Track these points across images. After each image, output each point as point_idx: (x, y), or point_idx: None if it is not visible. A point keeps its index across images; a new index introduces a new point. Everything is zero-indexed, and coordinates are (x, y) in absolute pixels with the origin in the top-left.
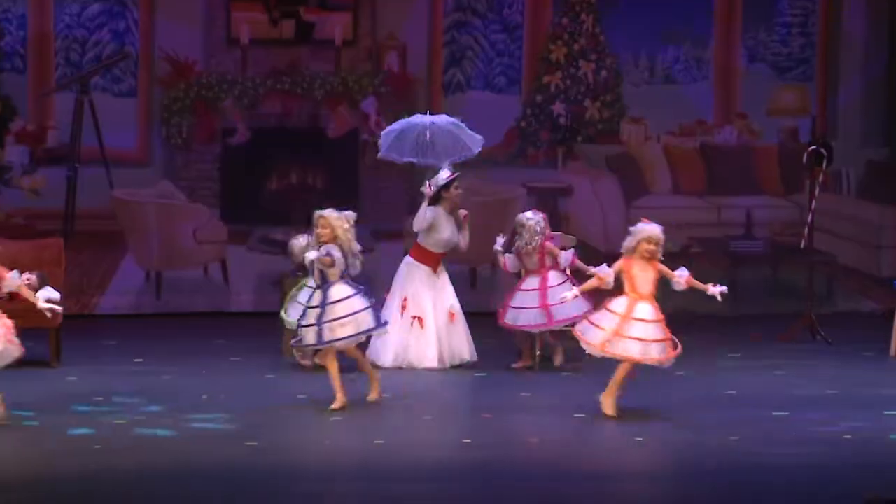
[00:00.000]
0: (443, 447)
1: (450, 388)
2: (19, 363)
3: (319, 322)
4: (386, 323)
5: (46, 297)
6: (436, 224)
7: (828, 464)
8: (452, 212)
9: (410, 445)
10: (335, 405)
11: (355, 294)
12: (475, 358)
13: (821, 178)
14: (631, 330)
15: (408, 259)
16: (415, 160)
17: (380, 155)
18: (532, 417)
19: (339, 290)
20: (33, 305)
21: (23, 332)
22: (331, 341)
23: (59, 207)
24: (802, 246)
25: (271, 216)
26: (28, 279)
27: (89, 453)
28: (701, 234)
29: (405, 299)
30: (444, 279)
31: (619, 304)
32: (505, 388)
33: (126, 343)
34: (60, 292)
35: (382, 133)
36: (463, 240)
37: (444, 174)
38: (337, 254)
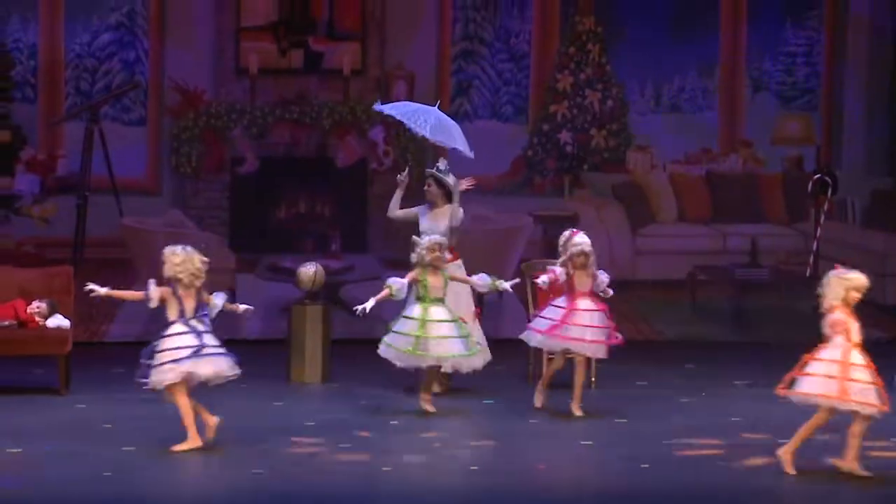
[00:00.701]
0: (450, 473)
1: (457, 413)
2: (29, 391)
3: (145, 357)
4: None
5: (56, 325)
6: (414, 218)
7: (834, 491)
8: (435, 205)
9: (418, 471)
10: (181, 445)
11: (185, 333)
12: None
13: (826, 207)
14: (855, 376)
15: None
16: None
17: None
18: (539, 444)
19: (172, 327)
20: (43, 333)
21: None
22: (155, 373)
23: (68, 236)
24: (808, 274)
25: (280, 244)
26: (38, 307)
27: (101, 481)
28: (706, 261)
29: None
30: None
31: (833, 352)
32: (512, 414)
33: (135, 370)
34: (70, 320)
35: (387, 108)
36: (454, 216)
37: (442, 164)
38: (151, 289)
